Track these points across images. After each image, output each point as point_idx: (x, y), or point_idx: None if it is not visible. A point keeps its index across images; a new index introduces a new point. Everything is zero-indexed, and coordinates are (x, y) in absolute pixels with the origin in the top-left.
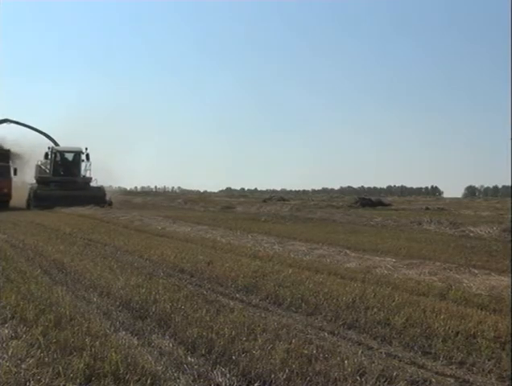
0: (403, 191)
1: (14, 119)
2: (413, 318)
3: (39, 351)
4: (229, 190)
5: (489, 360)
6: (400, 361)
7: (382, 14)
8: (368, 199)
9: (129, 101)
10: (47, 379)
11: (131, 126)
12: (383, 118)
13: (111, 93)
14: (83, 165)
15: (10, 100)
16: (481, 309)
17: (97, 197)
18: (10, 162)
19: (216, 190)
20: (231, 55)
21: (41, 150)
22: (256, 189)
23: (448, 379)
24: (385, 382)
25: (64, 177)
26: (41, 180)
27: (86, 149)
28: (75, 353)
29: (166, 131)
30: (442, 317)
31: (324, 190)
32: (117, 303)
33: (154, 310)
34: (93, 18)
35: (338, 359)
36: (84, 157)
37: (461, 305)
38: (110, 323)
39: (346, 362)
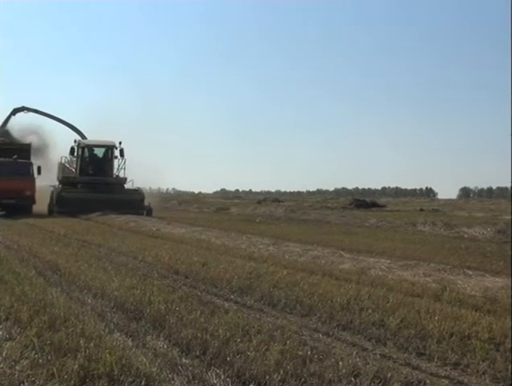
0: (398, 193)
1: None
2: (407, 320)
3: (34, 352)
4: (223, 191)
5: (483, 361)
6: (395, 362)
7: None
8: (362, 201)
9: (126, 102)
10: (42, 381)
11: (126, 127)
12: (377, 120)
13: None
14: (116, 162)
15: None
16: (476, 310)
17: (135, 202)
18: (32, 158)
19: (210, 192)
20: (227, 59)
21: (64, 145)
22: (250, 190)
23: (443, 380)
24: (379, 383)
25: (94, 177)
26: (66, 181)
27: (120, 143)
28: (69, 354)
29: (160, 132)
30: (436, 318)
31: (319, 192)
32: (112, 304)
33: (148, 311)
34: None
35: (333, 360)
36: (117, 153)
37: (456, 306)
38: (105, 325)
39: (341, 363)
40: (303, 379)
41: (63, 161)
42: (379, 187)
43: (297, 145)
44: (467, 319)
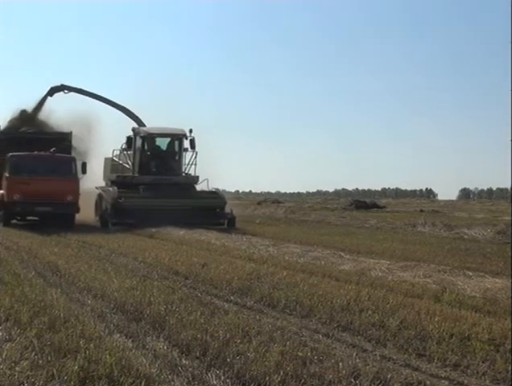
0: (398, 194)
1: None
2: (407, 321)
3: (34, 353)
4: (223, 192)
5: (483, 362)
6: (394, 363)
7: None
8: (362, 202)
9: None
10: (42, 382)
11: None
12: (377, 121)
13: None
14: (185, 157)
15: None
16: (476, 311)
17: (214, 209)
18: (73, 152)
19: None
20: (230, 54)
21: (113, 135)
22: (250, 191)
23: (443, 381)
24: (379, 384)
25: (158, 176)
26: (122, 181)
27: (191, 131)
28: (69, 355)
29: None
30: (436, 319)
31: (319, 193)
32: (112, 305)
33: (148, 312)
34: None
35: (333, 361)
36: (187, 144)
37: (456, 307)
38: (105, 326)
39: (341, 364)
40: (303, 381)
41: (113, 155)
42: (379, 188)
43: (297, 146)
44: (467, 320)
